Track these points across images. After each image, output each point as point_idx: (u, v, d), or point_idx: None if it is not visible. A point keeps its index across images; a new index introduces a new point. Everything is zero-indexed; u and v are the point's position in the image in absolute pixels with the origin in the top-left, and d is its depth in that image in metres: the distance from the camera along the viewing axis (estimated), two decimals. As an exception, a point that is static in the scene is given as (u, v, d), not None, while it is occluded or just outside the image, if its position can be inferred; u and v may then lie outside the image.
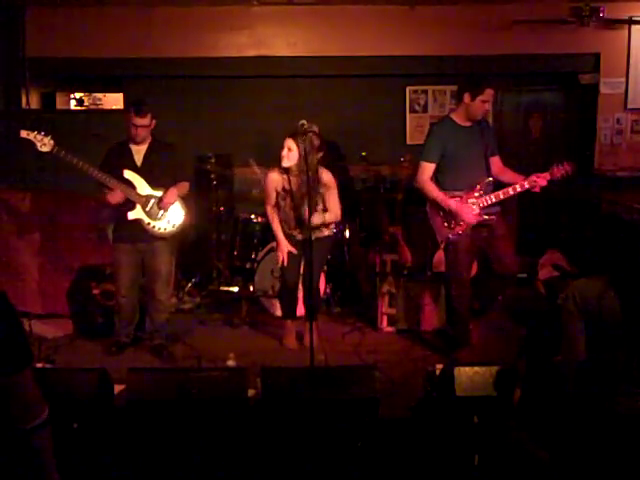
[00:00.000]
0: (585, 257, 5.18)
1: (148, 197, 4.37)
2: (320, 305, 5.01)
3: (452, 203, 4.23)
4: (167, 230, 4.44)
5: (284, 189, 4.38)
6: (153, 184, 4.39)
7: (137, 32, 6.20)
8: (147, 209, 4.37)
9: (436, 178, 4.31)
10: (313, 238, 4.27)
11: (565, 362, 2.96)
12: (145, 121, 4.32)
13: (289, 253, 4.46)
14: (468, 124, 4.28)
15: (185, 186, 4.52)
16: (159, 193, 4.39)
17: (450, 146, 4.24)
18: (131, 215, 4.34)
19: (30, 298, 5.05)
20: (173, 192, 4.40)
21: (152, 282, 4.52)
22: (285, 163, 4.27)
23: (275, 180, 4.39)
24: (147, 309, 4.64)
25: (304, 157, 4.05)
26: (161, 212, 4.39)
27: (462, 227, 4.26)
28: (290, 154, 4.25)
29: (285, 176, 4.35)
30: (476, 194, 4.26)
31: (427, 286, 5.15)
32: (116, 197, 4.27)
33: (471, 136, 4.27)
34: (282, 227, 4.49)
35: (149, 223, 4.38)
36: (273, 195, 4.43)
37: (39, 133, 4.10)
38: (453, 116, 4.32)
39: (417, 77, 6.69)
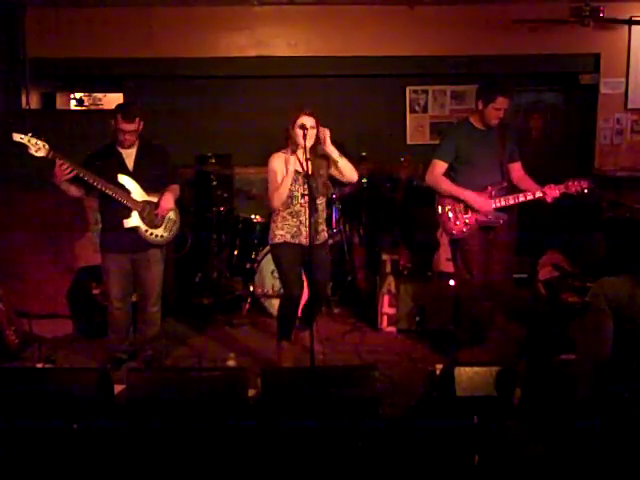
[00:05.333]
0: (602, 258, 5.18)
1: (145, 203, 4.14)
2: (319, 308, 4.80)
3: (469, 194, 4.23)
4: (165, 237, 4.24)
5: (295, 171, 4.03)
6: (146, 189, 4.16)
7: (137, 32, 6.21)
8: (144, 216, 4.13)
9: (449, 178, 4.31)
10: (319, 242, 4.13)
11: (585, 360, 2.94)
12: (133, 126, 4.05)
13: (295, 260, 4.12)
14: (485, 128, 4.28)
15: (177, 189, 4.31)
16: (154, 199, 4.18)
17: (464, 148, 4.25)
18: (128, 223, 4.09)
19: (30, 298, 5.05)
20: (169, 198, 4.20)
21: (144, 294, 4.29)
22: (308, 143, 3.95)
23: (278, 164, 4.06)
24: (136, 322, 4.40)
25: (312, 174, 3.94)
26: (158, 219, 4.19)
27: (469, 225, 4.26)
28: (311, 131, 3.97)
29: (293, 157, 4.04)
30: (486, 196, 4.25)
31: (427, 286, 5.16)
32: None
33: (487, 140, 4.27)
34: (289, 232, 4.11)
35: (147, 230, 4.15)
36: (279, 177, 4.05)
37: (33, 136, 3.82)
38: (471, 119, 4.33)
39: (417, 77, 6.70)
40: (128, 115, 4.02)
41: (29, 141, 3.81)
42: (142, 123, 4.15)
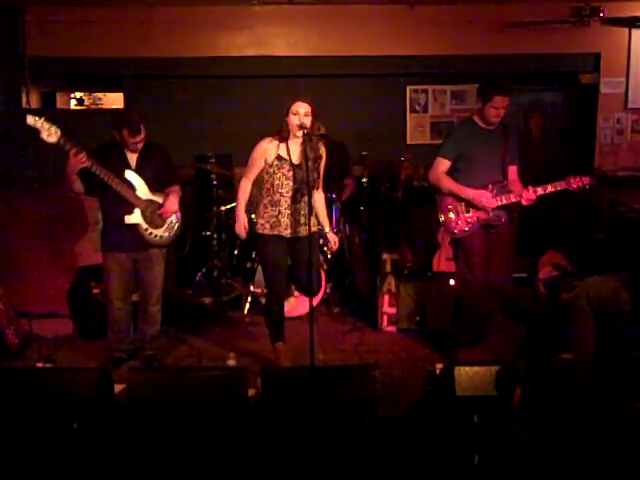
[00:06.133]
0: (595, 257, 5.19)
1: (148, 202, 4.10)
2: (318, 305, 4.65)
3: (469, 190, 4.24)
4: (164, 238, 4.21)
5: (279, 157, 3.96)
6: (150, 188, 4.13)
7: (137, 32, 6.21)
8: (147, 214, 4.10)
9: (451, 176, 4.32)
10: (304, 234, 3.94)
11: (576, 361, 2.95)
12: (141, 136, 4.01)
13: (277, 252, 4.06)
14: (489, 127, 4.28)
15: (179, 190, 4.30)
16: (159, 199, 4.16)
17: (467, 146, 4.27)
18: (129, 219, 4.04)
19: (30, 298, 5.05)
20: (174, 200, 4.19)
21: (145, 293, 4.28)
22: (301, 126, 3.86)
23: (267, 149, 3.98)
24: (137, 321, 4.39)
25: (306, 161, 3.82)
26: (160, 219, 4.16)
27: (470, 224, 4.27)
28: (306, 119, 3.89)
29: (283, 144, 3.96)
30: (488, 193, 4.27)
31: (427, 286, 5.15)
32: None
33: (490, 139, 4.28)
34: (268, 222, 4.02)
35: (147, 229, 4.11)
36: (260, 164, 4.03)
37: (47, 121, 3.71)
38: (475, 117, 4.33)
39: (417, 77, 6.70)
40: (136, 130, 3.98)
41: (42, 125, 3.69)
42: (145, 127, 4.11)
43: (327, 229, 4.24)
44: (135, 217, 4.08)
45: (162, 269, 4.30)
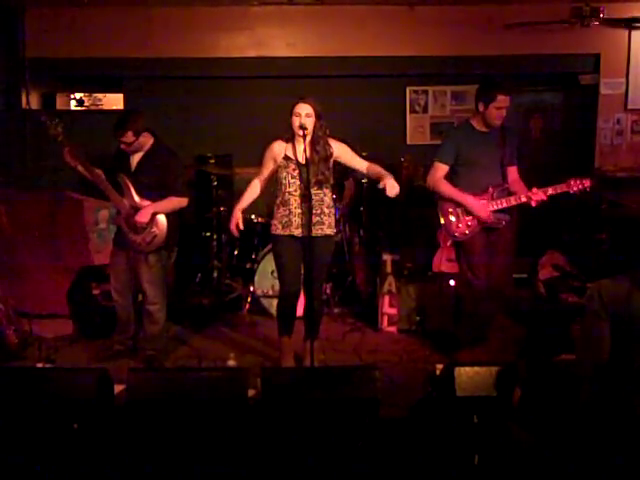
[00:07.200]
0: (599, 258, 5.19)
1: (131, 207, 4.16)
2: (322, 314, 4.44)
3: (468, 198, 4.24)
4: (142, 246, 4.19)
5: (286, 157, 4.02)
6: (143, 193, 4.16)
7: (137, 32, 6.21)
8: (128, 219, 4.17)
9: (450, 180, 4.32)
10: (318, 234, 3.98)
11: (583, 363, 2.95)
12: (126, 139, 4.09)
13: (290, 253, 4.05)
14: (486, 130, 4.28)
15: (172, 202, 4.19)
16: (146, 204, 4.17)
17: (465, 150, 4.26)
18: (116, 220, 4.33)
19: (30, 298, 5.05)
20: (147, 211, 4.12)
21: (142, 292, 4.36)
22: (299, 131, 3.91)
23: (275, 150, 4.05)
24: (142, 319, 4.46)
25: (306, 162, 3.86)
26: (138, 227, 4.15)
27: (471, 227, 4.27)
28: (307, 120, 3.93)
29: (289, 144, 4.02)
30: (487, 197, 4.26)
31: (428, 286, 5.15)
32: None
33: (488, 142, 4.27)
34: (280, 222, 4.04)
35: (127, 233, 4.21)
36: (269, 165, 4.10)
37: (53, 121, 4.08)
38: (472, 121, 4.33)
39: (417, 77, 6.70)
40: (117, 129, 4.10)
41: (48, 123, 4.08)
42: (145, 134, 4.16)
43: (381, 181, 3.94)
44: (120, 219, 4.25)
45: (153, 271, 4.27)
